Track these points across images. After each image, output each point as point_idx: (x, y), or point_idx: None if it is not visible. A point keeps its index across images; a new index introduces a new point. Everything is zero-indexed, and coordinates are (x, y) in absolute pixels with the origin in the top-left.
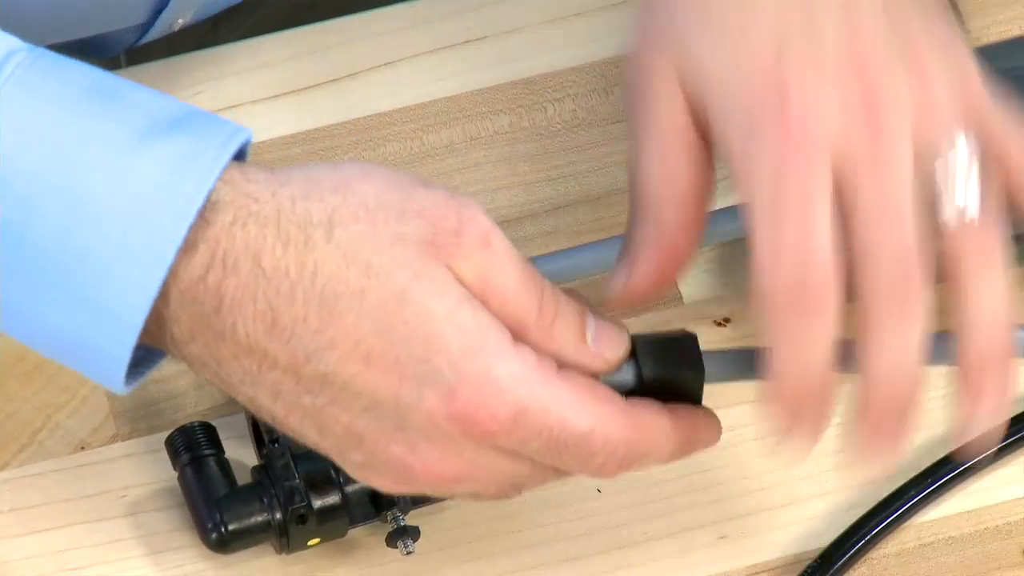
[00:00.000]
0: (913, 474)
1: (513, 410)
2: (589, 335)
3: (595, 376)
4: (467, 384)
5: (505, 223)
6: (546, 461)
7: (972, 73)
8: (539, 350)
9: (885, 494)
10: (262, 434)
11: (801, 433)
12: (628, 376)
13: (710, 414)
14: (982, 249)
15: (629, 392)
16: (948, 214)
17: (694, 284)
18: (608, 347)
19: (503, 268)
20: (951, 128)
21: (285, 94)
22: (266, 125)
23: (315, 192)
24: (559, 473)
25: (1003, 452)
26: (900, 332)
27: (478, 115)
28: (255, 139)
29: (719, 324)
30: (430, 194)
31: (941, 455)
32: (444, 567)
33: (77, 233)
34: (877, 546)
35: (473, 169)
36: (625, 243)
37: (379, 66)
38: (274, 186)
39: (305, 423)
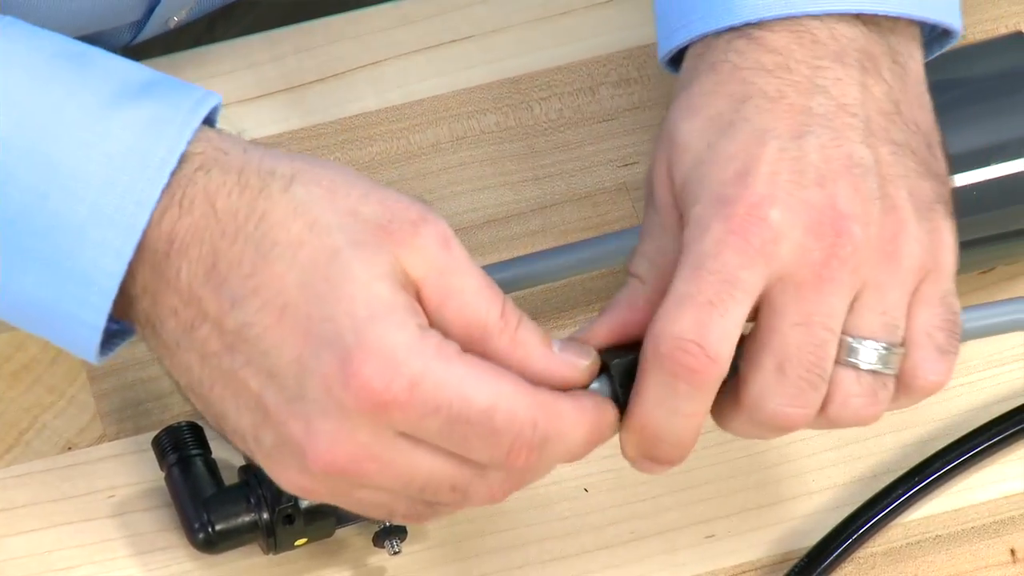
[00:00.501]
0: (900, 473)
1: (408, 381)
2: (555, 345)
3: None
4: (364, 350)
5: (492, 222)
6: (450, 447)
7: (948, 296)
8: (504, 357)
9: (872, 493)
10: None
11: (648, 467)
12: (604, 392)
13: (608, 402)
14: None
15: None
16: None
17: None
18: (575, 354)
19: (463, 270)
20: (886, 321)
21: (272, 93)
22: (253, 124)
23: (285, 156)
24: (469, 470)
25: (989, 451)
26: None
27: (464, 114)
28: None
29: None
30: (398, 194)
31: (928, 454)
32: (431, 567)
33: (50, 198)
34: (864, 545)
35: (459, 168)
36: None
37: (366, 66)
38: (245, 145)
39: (226, 395)
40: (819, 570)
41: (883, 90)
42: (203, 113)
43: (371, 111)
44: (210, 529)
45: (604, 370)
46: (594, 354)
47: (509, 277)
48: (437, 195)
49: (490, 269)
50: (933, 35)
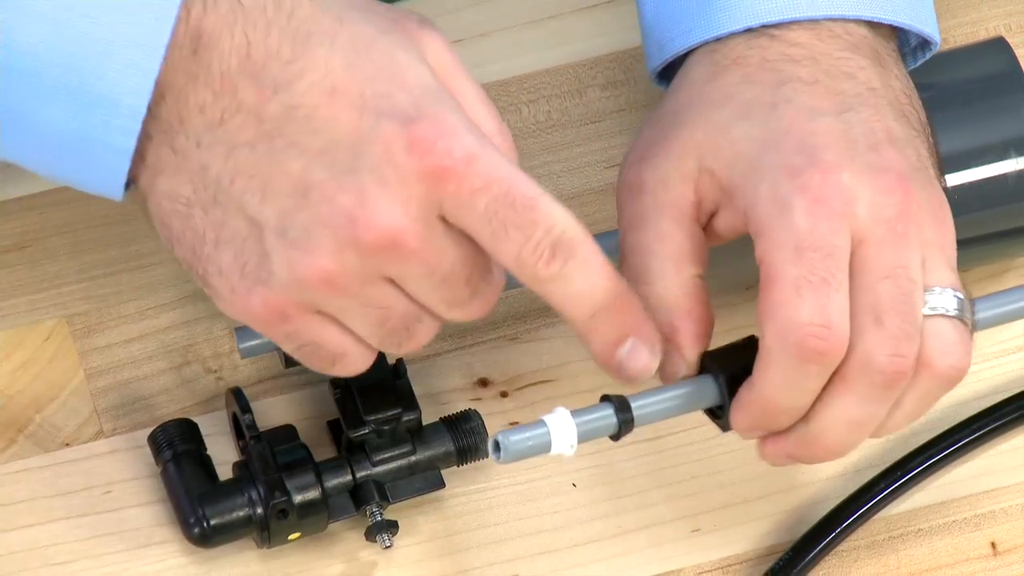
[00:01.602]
0: (883, 468)
1: (467, 151)
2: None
3: None
4: (426, 118)
5: None
6: (487, 229)
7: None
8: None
9: (855, 488)
10: (243, 430)
11: (756, 435)
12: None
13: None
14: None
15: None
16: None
17: None
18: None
19: (465, 76)
20: (955, 276)
21: None
22: None
23: None
24: (483, 267)
25: (970, 446)
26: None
27: None
28: None
29: None
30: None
31: (910, 449)
32: (422, 561)
33: (72, 25)
34: (848, 539)
35: None
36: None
37: None
38: None
39: (251, 184)
40: (803, 563)
41: (898, 81)
42: None
43: None
44: (205, 524)
45: (704, 370)
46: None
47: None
48: None
49: None
50: (912, 46)
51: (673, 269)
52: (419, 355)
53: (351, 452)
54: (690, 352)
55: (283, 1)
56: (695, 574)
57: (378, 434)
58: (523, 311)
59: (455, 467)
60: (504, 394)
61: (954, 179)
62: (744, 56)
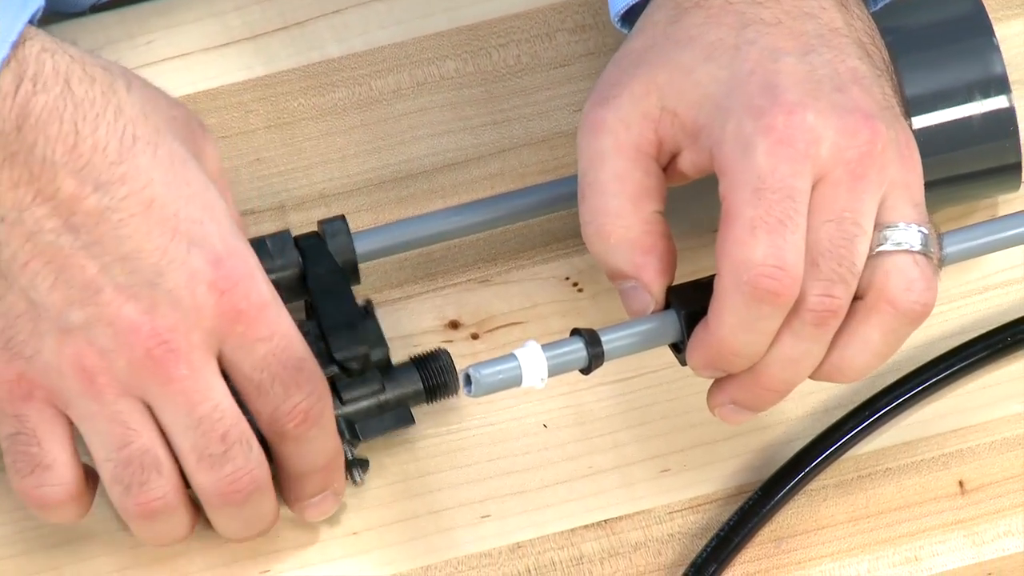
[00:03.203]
0: (851, 408)
1: (262, 299)
2: None
3: None
4: (234, 258)
5: (452, 166)
6: (257, 378)
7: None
8: None
9: (823, 427)
10: None
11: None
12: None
13: None
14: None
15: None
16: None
17: None
18: None
19: (225, 184)
20: (920, 211)
21: (236, 42)
22: (218, 72)
23: (103, 59)
24: (248, 424)
25: (937, 385)
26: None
27: (425, 61)
28: (208, 86)
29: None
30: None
31: (878, 389)
32: (393, 502)
33: None
34: (816, 478)
35: (420, 113)
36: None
37: (328, 14)
38: (68, 45)
39: (45, 270)
40: (773, 503)
41: (861, 21)
42: (34, 5)
43: (333, 58)
44: None
45: (669, 305)
46: None
47: (469, 220)
48: (398, 139)
49: (449, 212)
50: None
51: (632, 207)
52: (389, 297)
53: None
54: (656, 287)
55: (110, 97)
56: (665, 513)
57: (347, 372)
58: (493, 254)
59: (425, 405)
60: (475, 336)
61: (919, 122)
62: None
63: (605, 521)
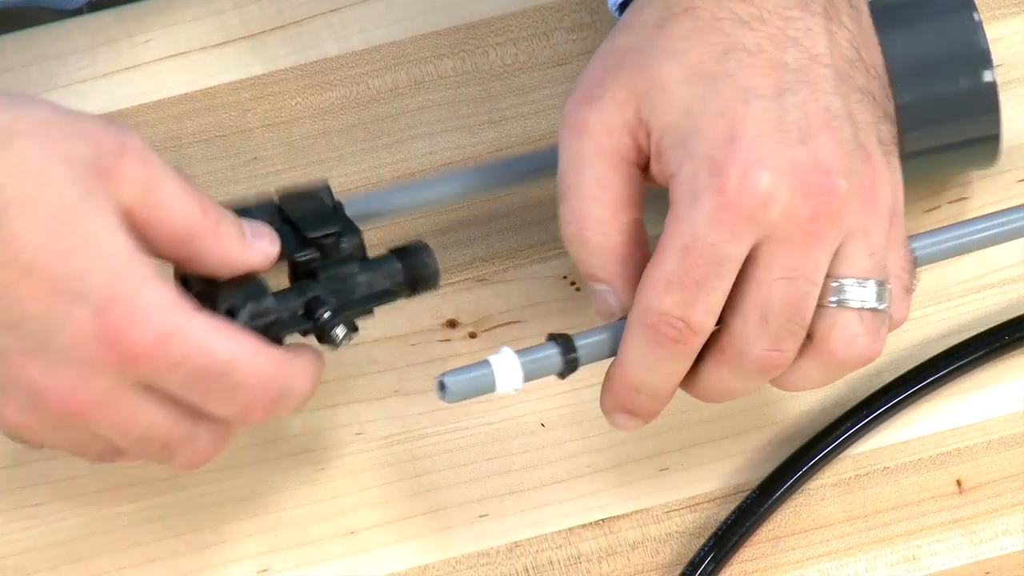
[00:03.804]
0: (849, 407)
1: (157, 334)
2: (247, 234)
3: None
4: (116, 306)
5: (449, 164)
6: (191, 398)
7: (906, 238)
8: (210, 254)
9: (821, 427)
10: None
11: (623, 421)
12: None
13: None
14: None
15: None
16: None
17: None
18: (263, 243)
19: (164, 180)
20: (875, 261)
21: (234, 40)
22: (216, 71)
23: None
24: (185, 428)
25: (935, 384)
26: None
27: (422, 59)
28: (205, 85)
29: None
30: (93, 120)
31: (875, 388)
32: (391, 502)
33: None
34: (814, 477)
35: (417, 112)
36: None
37: (326, 12)
38: None
39: None
40: (770, 501)
41: (846, 37)
42: None
43: (331, 57)
44: None
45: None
46: (277, 239)
47: (457, 189)
48: (396, 138)
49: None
50: None
51: (612, 215)
52: None
53: (299, 279)
54: (625, 295)
55: None
56: (663, 512)
57: (323, 254)
58: (492, 253)
59: (406, 297)
60: (473, 335)
61: (902, 97)
62: (696, 7)
63: (603, 520)
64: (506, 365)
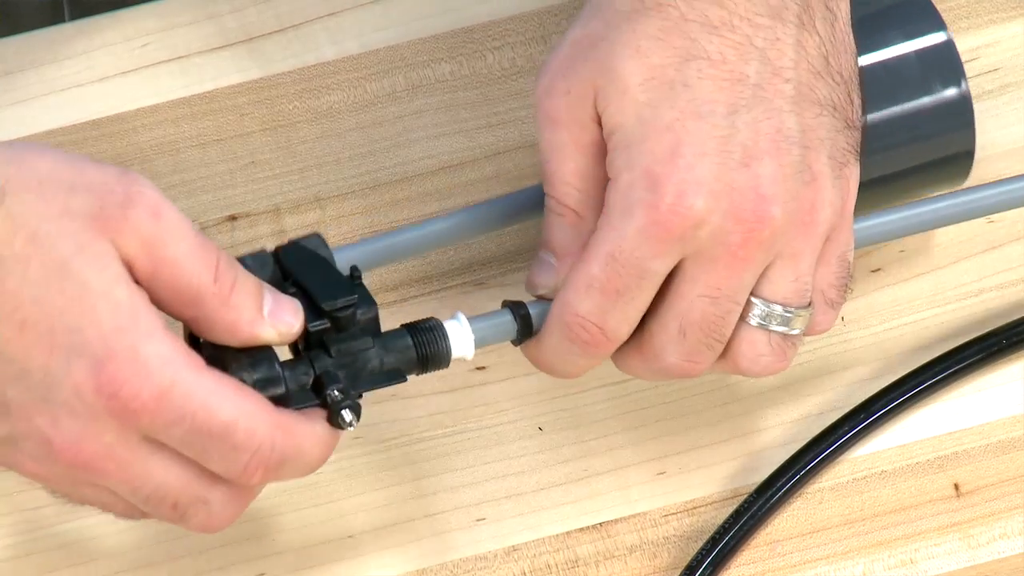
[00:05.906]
0: (846, 410)
1: (158, 390)
2: (266, 308)
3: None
4: (115, 359)
5: (447, 169)
6: (191, 454)
7: (846, 252)
8: (216, 321)
9: (819, 430)
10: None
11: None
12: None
13: (335, 432)
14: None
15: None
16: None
17: None
18: (283, 320)
19: (174, 237)
20: (797, 287)
21: (232, 44)
22: (214, 75)
23: None
24: (197, 489)
25: (932, 388)
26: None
27: (420, 63)
28: (203, 89)
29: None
30: (101, 170)
31: (873, 392)
32: (389, 505)
33: None
34: (812, 481)
35: (415, 116)
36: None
37: (323, 16)
38: None
39: None
40: (768, 505)
41: (815, 44)
42: None
43: (328, 61)
44: None
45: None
46: (302, 318)
47: (463, 222)
48: (393, 142)
49: (449, 217)
50: None
51: (594, 206)
52: (385, 300)
53: (309, 349)
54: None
55: None
56: (660, 516)
57: (336, 327)
58: (489, 257)
59: (416, 375)
60: None
61: (875, 117)
62: (667, 5)
63: (600, 524)
64: (460, 330)
